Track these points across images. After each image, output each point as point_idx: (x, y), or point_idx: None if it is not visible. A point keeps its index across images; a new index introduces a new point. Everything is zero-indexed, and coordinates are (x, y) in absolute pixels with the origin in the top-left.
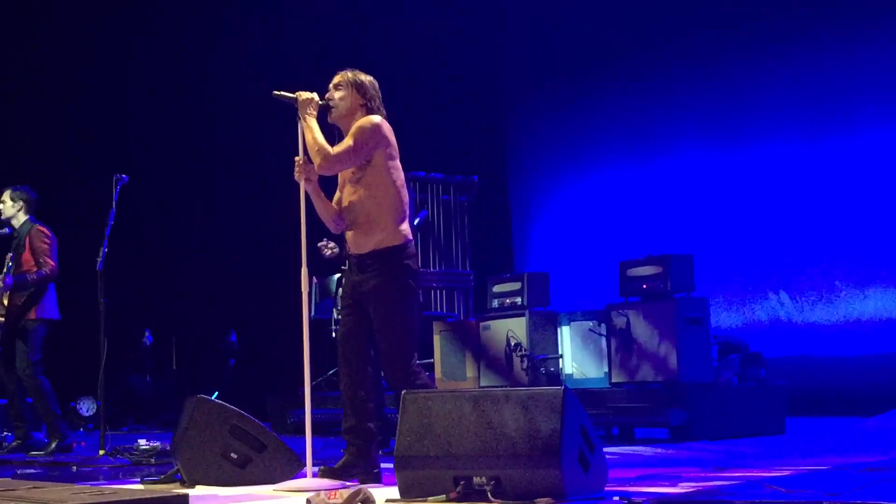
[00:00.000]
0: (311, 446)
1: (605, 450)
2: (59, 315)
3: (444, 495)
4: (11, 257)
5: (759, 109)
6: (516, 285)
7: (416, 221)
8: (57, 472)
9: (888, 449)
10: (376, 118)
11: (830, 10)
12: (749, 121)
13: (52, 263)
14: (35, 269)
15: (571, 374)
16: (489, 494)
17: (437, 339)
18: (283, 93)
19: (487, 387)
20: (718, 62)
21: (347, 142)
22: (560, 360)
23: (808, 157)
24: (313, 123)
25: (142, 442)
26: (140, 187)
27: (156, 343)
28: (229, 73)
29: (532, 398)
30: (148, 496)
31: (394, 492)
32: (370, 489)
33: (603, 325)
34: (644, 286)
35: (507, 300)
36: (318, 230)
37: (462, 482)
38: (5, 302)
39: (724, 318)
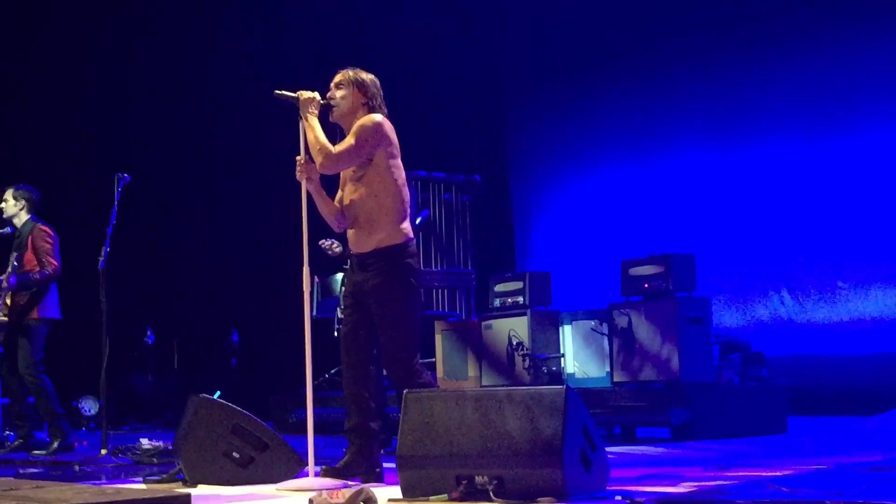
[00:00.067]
0: (313, 445)
1: (606, 449)
2: (60, 315)
3: (445, 494)
4: (17, 257)
5: (760, 109)
6: (518, 284)
7: (417, 221)
8: (59, 471)
9: (890, 448)
10: (378, 117)
11: (831, 10)
12: (750, 120)
13: (55, 263)
14: (38, 268)
15: (573, 374)
16: (491, 494)
17: (438, 339)
18: (284, 92)
19: (489, 386)
20: (719, 62)
21: (349, 140)
22: (562, 359)
23: (809, 157)
24: (315, 122)
25: (144, 441)
26: (142, 187)
27: (158, 342)
28: (230, 72)
29: (534, 397)
30: (150, 496)
31: (396, 491)
32: (372, 488)
33: (604, 324)
34: (646, 285)
35: (509, 299)
36: (319, 229)
37: (464, 481)
38: (8, 302)
39: (725, 317)
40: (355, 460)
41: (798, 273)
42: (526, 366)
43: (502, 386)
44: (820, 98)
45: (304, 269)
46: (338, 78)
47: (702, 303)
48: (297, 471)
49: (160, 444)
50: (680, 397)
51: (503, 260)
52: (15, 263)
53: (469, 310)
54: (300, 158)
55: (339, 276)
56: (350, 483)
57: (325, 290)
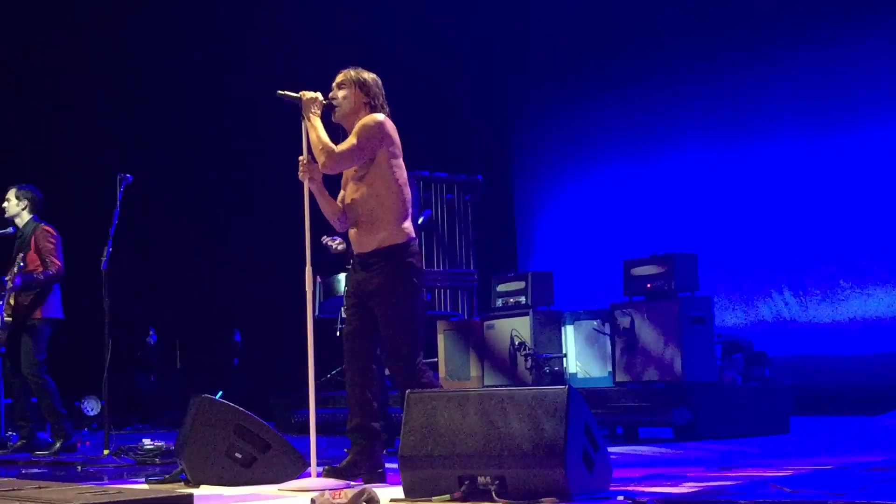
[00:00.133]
0: (315, 446)
1: (609, 449)
2: (63, 315)
3: (448, 495)
4: (23, 257)
5: (762, 108)
6: (520, 284)
7: (420, 220)
8: (61, 471)
9: (893, 448)
10: (380, 116)
11: (835, 8)
12: (753, 119)
13: (59, 263)
14: (41, 268)
15: (575, 374)
16: (493, 494)
17: (441, 339)
18: (286, 92)
19: (491, 386)
20: (722, 61)
21: (351, 140)
22: (564, 359)
23: (812, 156)
24: (317, 122)
25: (146, 441)
26: (144, 187)
27: (160, 342)
28: (233, 72)
29: (536, 398)
30: (152, 496)
31: (398, 491)
32: (375, 489)
33: (607, 324)
34: (648, 285)
35: (511, 299)
36: (322, 229)
37: (466, 482)
38: (12, 302)
39: (728, 317)
40: (358, 460)
41: (800, 273)
42: (528, 366)
43: (504, 386)
44: (823, 97)
45: (307, 268)
46: (339, 77)
47: (704, 302)
48: (300, 471)
49: (162, 444)
50: (682, 397)
51: (505, 260)
52: (21, 264)
53: (471, 310)
54: (302, 158)
55: (342, 275)
56: (352, 483)
57: (327, 290)
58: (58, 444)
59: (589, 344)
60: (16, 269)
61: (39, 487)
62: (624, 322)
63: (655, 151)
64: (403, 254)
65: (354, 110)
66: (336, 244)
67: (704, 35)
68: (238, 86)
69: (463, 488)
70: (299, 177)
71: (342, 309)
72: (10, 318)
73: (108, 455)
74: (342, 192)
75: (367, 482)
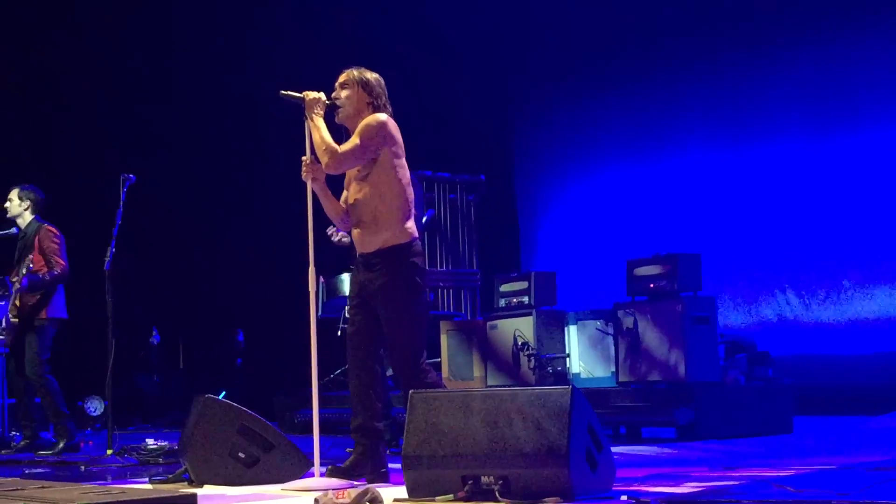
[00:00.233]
0: (318, 445)
1: (612, 449)
2: (67, 314)
3: (451, 495)
4: (31, 258)
5: (765, 107)
6: (523, 284)
7: (423, 220)
8: (65, 471)
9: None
10: (382, 116)
11: (835, 8)
12: (756, 119)
13: (63, 263)
14: (46, 269)
15: (578, 374)
16: (497, 494)
17: (444, 339)
18: (290, 92)
19: (495, 386)
20: (723, 60)
21: (354, 140)
22: (567, 359)
23: (815, 156)
24: (320, 123)
25: (149, 441)
26: (147, 187)
27: (163, 343)
28: (233, 72)
29: (539, 397)
30: (156, 496)
31: (402, 491)
32: (378, 488)
33: (610, 324)
34: (651, 285)
35: (515, 299)
36: (325, 229)
37: (470, 482)
38: (17, 303)
39: (731, 317)
40: (361, 460)
41: (804, 273)
42: (531, 366)
43: (508, 386)
44: (825, 96)
45: (310, 268)
46: (342, 78)
47: (707, 302)
48: (303, 471)
49: (165, 444)
50: (685, 397)
51: (508, 260)
52: (31, 265)
53: (474, 309)
54: (306, 158)
55: (345, 276)
56: (356, 483)
57: (330, 290)
58: (61, 444)
59: (592, 344)
60: (24, 271)
61: (43, 487)
62: (627, 322)
63: (657, 151)
64: (407, 254)
65: (357, 110)
66: (340, 236)
67: (704, 35)
68: (238, 86)
69: (466, 488)
70: (302, 177)
71: (345, 309)
72: (17, 320)
73: (111, 455)
74: (345, 193)
75: (370, 482)
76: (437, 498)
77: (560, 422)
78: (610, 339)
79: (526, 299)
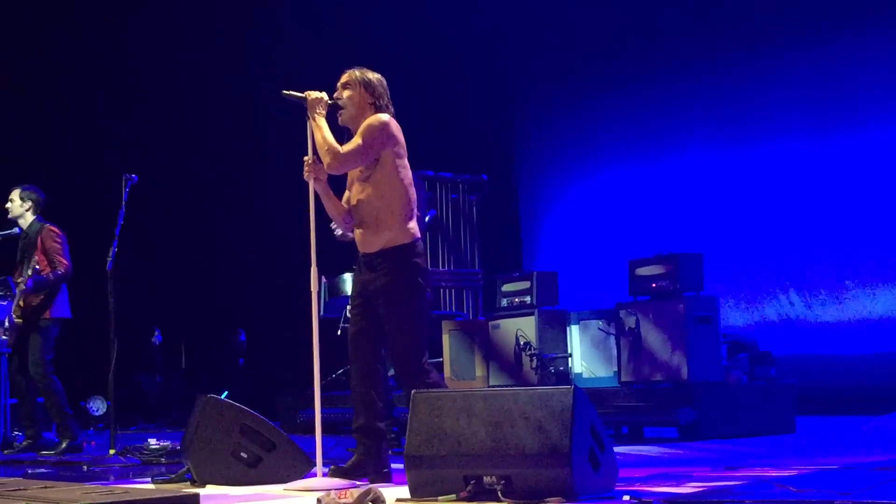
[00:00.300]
0: (320, 445)
1: (614, 449)
2: (71, 314)
3: (454, 494)
4: (36, 259)
5: (766, 107)
6: (525, 284)
7: (426, 220)
8: (67, 471)
9: None
10: (384, 116)
11: (835, 8)
12: (758, 119)
13: (67, 263)
14: (49, 269)
15: (581, 374)
16: (499, 494)
17: (446, 339)
18: (292, 92)
19: (497, 386)
20: (725, 60)
21: (356, 140)
22: (569, 359)
23: (817, 155)
24: (322, 123)
25: (152, 441)
26: (149, 187)
27: (165, 342)
28: (233, 72)
29: (542, 398)
30: (158, 496)
31: (404, 491)
32: (380, 488)
33: (612, 324)
34: (653, 285)
35: (517, 299)
36: (327, 230)
37: (472, 481)
38: (21, 303)
39: (733, 316)
40: (363, 460)
41: (806, 272)
42: (533, 366)
43: (510, 386)
44: (826, 96)
45: (312, 269)
46: (344, 78)
47: (709, 302)
48: (305, 471)
49: (168, 444)
50: (688, 397)
51: (510, 259)
52: (37, 266)
53: (476, 309)
54: (308, 159)
55: (346, 276)
56: (358, 483)
57: (332, 290)
58: (64, 444)
59: (594, 344)
60: (30, 272)
61: (45, 487)
62: (629, 322)
63: (658, 151)
64: (409, 254)
65: (360, 111)
66: (341, 229)
67: (705, 35)
68: (238, 86)
69: (469, 488)
70: (304, 177)
71: (346, 309)
72: (21, 320)
73: (113, 455)
74: (347, 193)
75: (372, 482)
76: (439, 498)
77: (562, 422)
78: (612, 339)
79: (528, 299)
